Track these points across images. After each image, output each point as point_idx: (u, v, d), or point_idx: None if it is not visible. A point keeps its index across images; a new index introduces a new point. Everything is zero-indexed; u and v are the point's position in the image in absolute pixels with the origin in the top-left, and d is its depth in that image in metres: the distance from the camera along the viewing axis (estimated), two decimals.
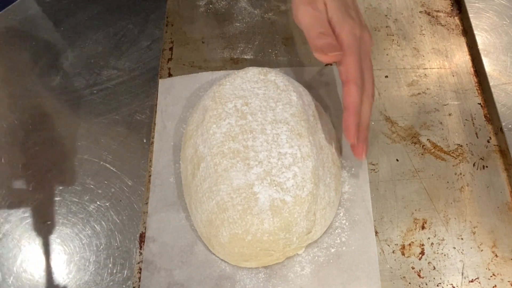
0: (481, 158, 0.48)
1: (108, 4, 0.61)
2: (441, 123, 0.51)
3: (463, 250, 0.44)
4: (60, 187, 0.48)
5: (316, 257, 0.42)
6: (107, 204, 0.47)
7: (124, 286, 0.43)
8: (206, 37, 0.57)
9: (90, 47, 0.58)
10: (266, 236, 0.39)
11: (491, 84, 0.51)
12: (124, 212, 0.47)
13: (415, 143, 0.49)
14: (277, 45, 0.56)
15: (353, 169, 0.46)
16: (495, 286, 0.42)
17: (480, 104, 0.52)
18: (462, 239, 0.44)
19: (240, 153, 0.41)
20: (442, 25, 0.58)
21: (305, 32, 0.41)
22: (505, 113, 0.49)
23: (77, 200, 0.48)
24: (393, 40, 0.56)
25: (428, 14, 0.59)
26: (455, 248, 0.44)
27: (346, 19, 0.40)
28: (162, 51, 0.56)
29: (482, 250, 0.44)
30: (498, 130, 0.49)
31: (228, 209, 0.39)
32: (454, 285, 0.42)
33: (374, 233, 0.43)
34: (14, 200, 0.48)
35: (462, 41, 0.57)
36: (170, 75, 0.54)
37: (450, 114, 0.51)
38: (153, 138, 0.49)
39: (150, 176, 0.47)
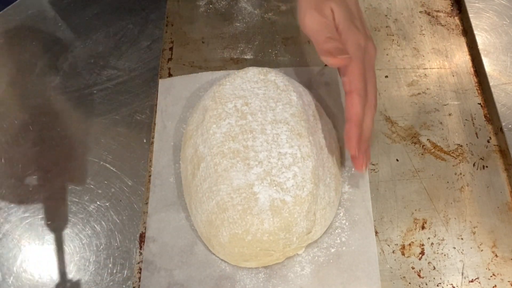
0: (481, 158, 0.48)
1: (108, 4, 0.61)
2: (441, 123, 0.51)
3: (463, 250, 0.44)
4: (60, 187, 0.48)
5: (316, 257, 0.42)
6: (107, 204, 0.47)
7: (124, 286, 0.43)
8: (206, 37, 0.57)
9: (90, 47, 0.58)
10: (266, 236, 0.39)
11: (491, 84, 0.51)
12: (124, 212, 0.47)
13: (415, 143, 0.49)
14: (277, 45, 0.56)
15: (353, 169, 0.46)
16: (495, 286, 0.42)
17: (480, 104, 0.52)
18: (462, 239, 0.44)
19: (240, 153, 0.41)
20: (442, 25, 0.58)
21: (312, 37, 0.40)
22: (505, 113, 0.49)
23: (77, 200, 0.48)
24: (393, 40, 0.56)
25: (428, 14, 0.59)
26: (455, 248, 0.44)
27: (352, 29, 0.40)
28: (162, 51, 0.56)
29: (482, 250, 0.44)
30: (498, 130, 0.49)
31: (228, 209, 0.39)
32: (454, 285, 0.42)
33: (374, 233, 0.43)
34: (14, 200, 0.48)
35: (462, 41, 0.57)
36: (170, 75, 0.54)
37: (450, 114, 0.51)
38: (153, 138, 0.49)
39: (150, 176, 0.47)
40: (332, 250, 0.43)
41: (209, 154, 0.41)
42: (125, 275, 0.44)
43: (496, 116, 0.50)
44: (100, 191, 0.48)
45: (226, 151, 0.41)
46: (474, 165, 0.48)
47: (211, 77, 0.52)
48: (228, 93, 0.44)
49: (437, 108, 0.51)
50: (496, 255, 0.43)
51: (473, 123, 0.51)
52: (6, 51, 0.58)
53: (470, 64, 0.55)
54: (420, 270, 0.43)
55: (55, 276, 0.44)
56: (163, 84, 0.52)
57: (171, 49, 0.56)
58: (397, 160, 0.48)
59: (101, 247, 0.45)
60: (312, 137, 0.42)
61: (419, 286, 0.42)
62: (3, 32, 0.59)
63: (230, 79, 0.46)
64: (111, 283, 0.44)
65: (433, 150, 0.49)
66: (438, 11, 0.59)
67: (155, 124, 0.50)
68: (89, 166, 0.49)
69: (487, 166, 0.48)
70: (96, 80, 0.55)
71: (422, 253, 0.44)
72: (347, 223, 0.44)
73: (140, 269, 0.43)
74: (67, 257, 0.45)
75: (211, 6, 0.59)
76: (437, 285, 0.42)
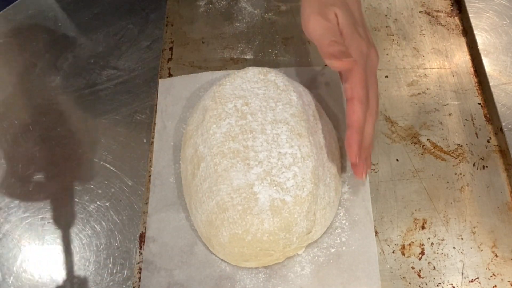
0: (481, 158, 0.48)
1: (108, 4, 0.61)
2: (441, 123, 0.51)
3: (463, 250, 0.44)
4: (60, 187, 0.48)
5: (316, 257, 0.42)
6: (107, 204, 0.47)
7: (124, 286, 0.43)
8: (206, 37, 0.57)
9: (90, 47, 0.58)
10: (266, 236, 0.39)
11: (491, 84, 0.51)
12: (124, 212, 0.47)
13: (415, 143, 0.49)
14: (277, 45, 0.56)
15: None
16: (495, 286, 0.42)
17: (480, 104, 0.52)
18: (462, 239, 0.44)
19: (240, 153, 0.41)
20: (442, 25, 0.58)
21: (317, 41, 0.40)
22: (505, 113, 0.49)
23: (77, 200, 0.48)
24: (393, 40, 0.56)
25: (428, 14, 0.59)
26: (455, 248, 0.44)
27: (355, 35, 0.40)
28: (162, 51, 0.56)
29: (482, 250, 0.44)
30: (498, 130, 0.49)
31: (228, 209, 0.39)
32: (454, 285, 0.42)
33: (374, 233, 0.43)
34: (14, 200, 0.48)
35: (462, 41, 0.57)
36: (170, 75, 0.54)
37: (450, 114, 0.51)
38: (153, 138, 0.49)
39: (150, 176, 0.47)
40: (332, 250, 0.43)
41: (209, 154, 0.41)
42: (125, 275, 0.44)
43: (496, 116, 0.50)
44: (100, 191, 0.48)
45: (226, 151, 0.41)
46: (474, 165, 0.48)
47: (211, 77, 0.52)
48: (228, 93, 0.44)
49: (437, 108, 0.51)
50: (496, 255, 0.43)
51: (473, 123, 0.51)
52: (6, 51, 0.58)
53: (470, 64, 0.55)
54: (420, 270, 0.43)
55: (55, 276, 0.44)
56: (163, 84, 0.52)
57: (171, 49, 0.56)
58: (397, 160, 0.48)
59: (101, 247, 0.45)
60: (312, 137, 0.42)
61: (419, 286, 0.42)
62: (3, 32, 0.59)
63: (230, 79, 0.46)
64: (111, 283, 0.44)
65: (433, 150, 0.49)
66: (438, 11, 0.59)
67: (155, 124, 0.50)
68: (89, 166, 0.49)
69: (487, 166, 0.48)
70: (96, 80, 0.55)
71: (422, 253, 0.44)
72: (347, 223, 0.44)
73: (140, 269, 0.43)
74: (67, 257, 0.45)
75: (211, 6, 0.59)
76: (437, 285, 0.42)
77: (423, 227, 0.45)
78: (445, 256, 0.43)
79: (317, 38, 0.40)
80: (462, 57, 0.55)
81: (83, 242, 0.46)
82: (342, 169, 0.47)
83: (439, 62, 0.55)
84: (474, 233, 0.44)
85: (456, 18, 0.58)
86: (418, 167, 0.48)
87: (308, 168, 0.40)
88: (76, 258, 0.45)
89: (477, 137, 0.50)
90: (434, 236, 0.44)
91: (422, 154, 0.49)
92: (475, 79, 0.54)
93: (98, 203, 0.47)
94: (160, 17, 0.59)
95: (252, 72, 0.46)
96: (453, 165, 0.48)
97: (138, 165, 0.49)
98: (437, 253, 0.44)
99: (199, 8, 0.59)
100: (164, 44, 0.56)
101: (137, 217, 0.46)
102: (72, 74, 0.56)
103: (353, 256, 0.42)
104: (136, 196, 0.48)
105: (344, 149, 0.48)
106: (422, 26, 0.58)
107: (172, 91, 0.52)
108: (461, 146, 0.49)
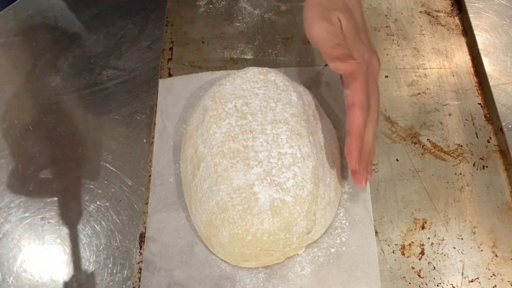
0: (481, 158, 0.48)
1: (108, 4, 0.61)
2: (441, 123, 0.51)
3: (463, 250, 0.44)
4: (60, 187, 0.48)
5: (316, 257, 0.42)
6: (107, 204, 0.47)
7: (124, 286, 0.43)
8: (206, 37, 0.57)
9: (90, 47, 0.58)
10: (266, 236, 0.39)
11: (491, 84, 0.51)
12: (124, 212, 0.47)
13: (415, 143, 0.49)
14: (277, 45, 0.56)
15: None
16: (495, 286, 0.42)
17: (480, 104, 0.52)
18: (462, 239, 0.44)
19: (240, 153, 0.41)
20: (442, 25, 0.58)
21: (320, 44, 0.40)
22: (505, 113, 0.49)
23: (77, 200, 0.48)
24: (393, 40, 0.56)
25: (428, 14, 0.59)
26: (455, 248, 0.44)
27: (357, 42, 0.40)
28: (162, 51, 0.56)
29: (482, 250, 0.44)
30: (498, 130, 0.49)
31: (228, 209, 0.39)
32: (454, 285, 0.42)
33: (374, 233, 0.43)
34: (14, 200, 0.48)
35: (462, 41, 0.57)
36: (170, 75, 0.54)
37: (450, 114, 0.51)
38: (153, 138, 0.49)
39: (150, 176, 0.47)
40: (332, 250, 0.43)
41: (209, 154, 0.41)
42: (125, 275, 0.44)
43: (496, 116, 0.50)
44: (100, 191, 0.48)
45: (226, 151, 0.41)
46: (474, 165, 0.48)
47: (211, 77, 0.52)
48: (228, 93, 0.44)
49: (437, 108, 0.52)
50: (496, 255, 0.43)
51: (473, 123, 0.51)
52: (6, 51, 0.58)
53: (470, 64, 0.55)
54: (420, 270, 0.43)
55: (55, 276, 0.44)
56: (163, 84, 0.52)
57: (171, 49, 0.56)
58: (397, 160, 0.48)
59: (101, 247, 0.45)
60: (312, 137, 0.42)
61: (419, 286, 0.42)
62: (3, 32, 0.59)
63: (230, 79, 0.46)
64: (111, 283, 0.44)
65: (433, 150, 0.49)
66: (438, 11, 0.59)
67: (155, 124, 0.50)
68: (89, 166, 0.49)
69: (487, 166, 0.48)
70: (96, 80, 0.55)
71: (422, 253, 0.44)
72: (347, 223, 0.44)
73: (140, 269, 0.43)
74: (67, 257, 0.45)
75: (211, 6, 0.59)
76: (437, 285, 0.42)
77: (423, 227, 0.45)
78: (445, 256, 0.43)
79: (320, 42, 0.40)
80: (462, 57, 0.55)
81: (83, 242, 0.46)
82: (342, 169, 0.47)
83: (439, 62, 0.55)
84: (474, 233, 0.44)
85: (456, 18, 0.58)
86: (418, 167, 0.48)
87: (308, 168, 0.40)
88: (76, 258, 0.45)
89: (477, 137, 0.50)
90: (434, 236, 0.44)
91: (422, 154, 0.49)
92: (475, 79, 0.54)
93: (98, 203, 0.47)
94: (160, 17, 0.59)
95: (252, 72, 0.46)
96: (453, 165, 0.48)
97: (138, 165, 0.49)
98: (437, 253, 0.44)
99: (199, 8, 0.59)
100: (164, 44, 0.56)
101: (137, 217, 0.46)
102: (72, 74, 0.56)
103: (353, 256, 0.42)
104: (136, 196, 0.48)
105: (344, 149, 0.47)
106: (422, 26, 0.58)
107: (172, 91, 0.52)
108: (461, 146, 0.49)
